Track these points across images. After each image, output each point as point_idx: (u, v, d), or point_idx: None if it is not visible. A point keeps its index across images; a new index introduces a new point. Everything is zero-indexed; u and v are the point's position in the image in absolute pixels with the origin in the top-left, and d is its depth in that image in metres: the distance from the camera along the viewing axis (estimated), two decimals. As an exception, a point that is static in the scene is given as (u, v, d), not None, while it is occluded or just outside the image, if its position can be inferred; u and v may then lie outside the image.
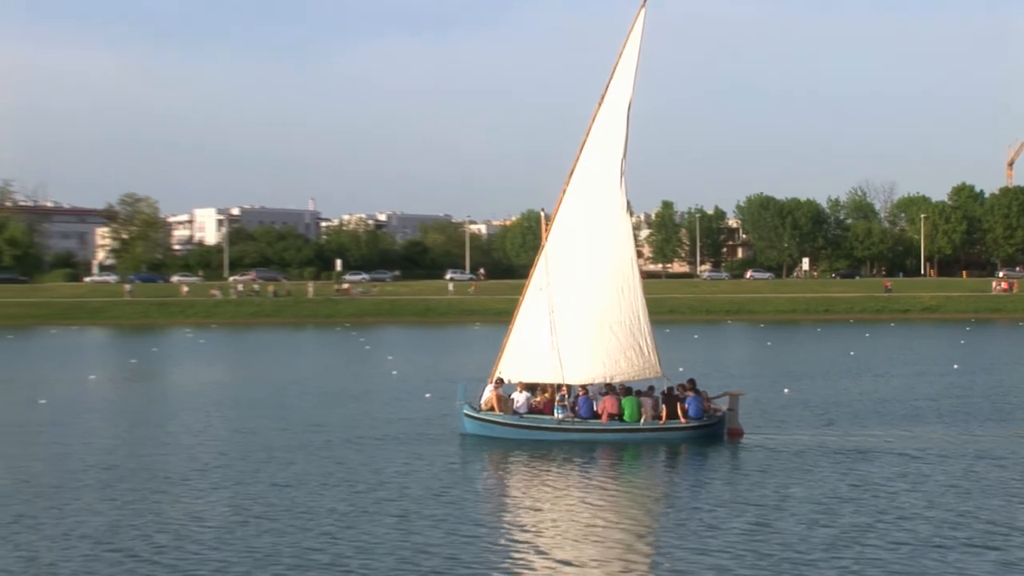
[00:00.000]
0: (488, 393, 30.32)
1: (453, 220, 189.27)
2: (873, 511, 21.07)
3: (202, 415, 35.78)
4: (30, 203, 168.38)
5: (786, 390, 41.18)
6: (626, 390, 29.98)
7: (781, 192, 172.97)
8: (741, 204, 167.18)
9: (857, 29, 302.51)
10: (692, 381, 30.49)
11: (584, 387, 30.02)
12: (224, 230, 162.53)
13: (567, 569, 17.56)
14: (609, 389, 29.97)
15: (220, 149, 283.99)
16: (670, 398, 29.55)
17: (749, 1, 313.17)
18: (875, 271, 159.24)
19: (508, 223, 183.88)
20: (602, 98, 30.21)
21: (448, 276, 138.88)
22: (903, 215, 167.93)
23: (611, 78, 30.18)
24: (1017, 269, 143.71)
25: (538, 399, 30.15)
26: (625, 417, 29.19)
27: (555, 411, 29.50)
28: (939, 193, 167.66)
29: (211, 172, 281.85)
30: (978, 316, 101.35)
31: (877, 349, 64.81)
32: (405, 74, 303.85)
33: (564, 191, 30.70)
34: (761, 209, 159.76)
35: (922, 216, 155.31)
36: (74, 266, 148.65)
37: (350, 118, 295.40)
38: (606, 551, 18.61)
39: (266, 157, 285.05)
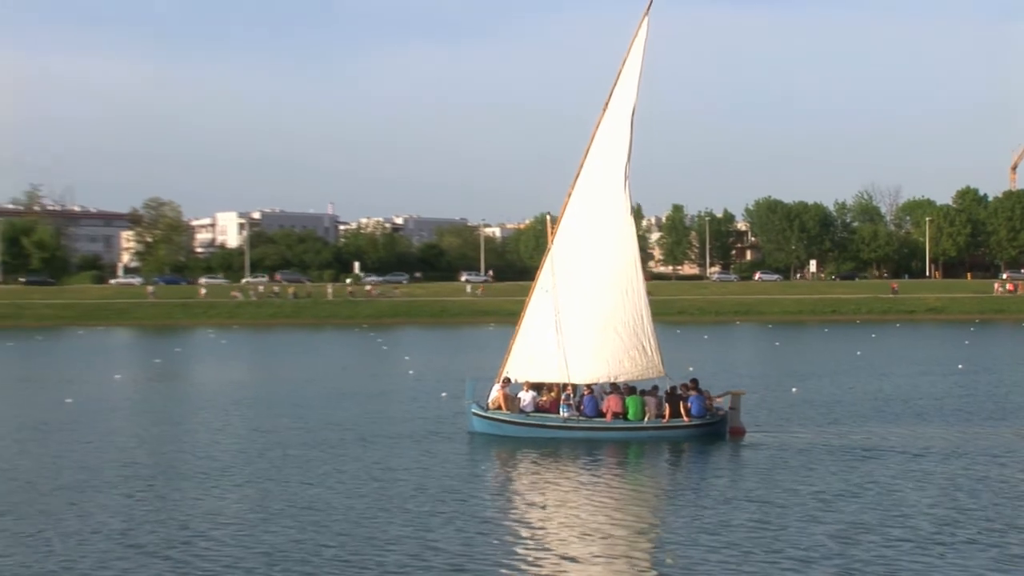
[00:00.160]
0: (495, 392, 30.38)
1: (468, 223, 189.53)
2: (876, 508, 20.93)
3: (223, 414, 35.91)
4: (58, 208, 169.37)
5: (794, 389, 41.13)
6: (630, 389, 30.04)
7: (789, 196, 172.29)
8: (750, 207, 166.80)
9: (863, 36, 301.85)
10: (695, 381, 30.51)
11: (589, 386, 30.08)
12: (245, 233, 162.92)
13: (575, 565, 17.53)
14: (613, 388, 30.04)
15: (241, 155, 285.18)
16: (673, 397, 29.58)
17: (755, 10, 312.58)
18: (880, 273, 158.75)
19: (521, 226, 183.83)
20: (606, 104, 30.19)
21: (463, 278, 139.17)
22: (908, 218, 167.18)
23: (615, 85, 30.14)
24: (1022, 271, 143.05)
25: (544, 398, 30.25)
26: (629, 416, 29.24)
27: (561, 410, 29.58)
28: (944, 196, 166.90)
29: (233, 177, 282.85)
30: (982, 317, 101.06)
31: (883, 349, 64.71)
32: (420, 82, 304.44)
33: (569, 195, 30.71)
34: (769, 212, 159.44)
35: (927, 219, 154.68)
36: (100, 268, 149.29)
37: (367, 125, 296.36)
38: (612, 547, 18.57)
39: (286, 163, 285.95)
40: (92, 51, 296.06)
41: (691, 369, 37.84)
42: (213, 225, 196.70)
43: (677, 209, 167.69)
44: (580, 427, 29.22)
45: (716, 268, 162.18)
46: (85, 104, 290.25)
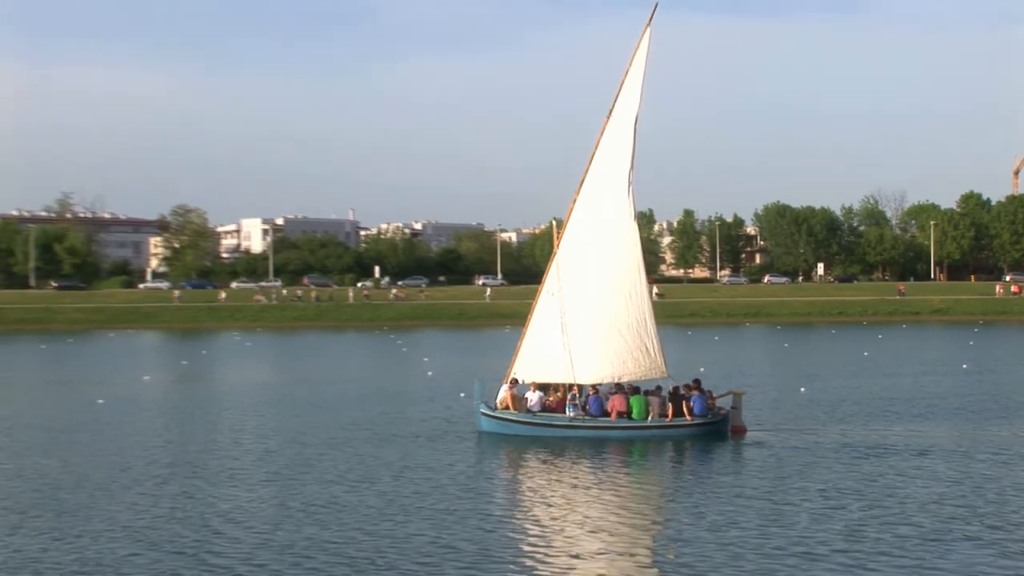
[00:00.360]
0: (503, 393, 30.49)
1: (485, 228, 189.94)
2: (880, 506, 20.85)
3: (246, 414, 36.07)
4: (89, 215, 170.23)
5: (802, 389, 41.02)
6: (634, 389, 30.11)
7: (797, 201, 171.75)
8: (759, 212, 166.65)
9: (867, 43, 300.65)
10: (697, 381, 30.58)
11: (594, 386, 30.16)
12: (269, 239, 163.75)
13: (581, 561, 17.52)
14: (618, 388, 30.12)
15: (265, 163, 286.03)
16: (676, 397, 29.65)
17: (760, 19, 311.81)
18: (885, 276, 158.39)
19: (537, 231, 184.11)
20: (610, 112, 30.22)
21: (480, 282, 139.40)
22: (913, 222, 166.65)
23: (619, 93, 30.14)
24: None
25: (551, 398, 30.35)
26: (633, 415, 29.35)
27: (567, 409, 29.68)
28: (948, 201, 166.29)
29: (257, 185, 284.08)
30: (986, 318, 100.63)
31: (889, 350, 64.49)
32: (437, 92, 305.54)
33: (574, 201, 30.72)
34: (778, 217, 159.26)
35: (932, 223, 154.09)
36: (129, 273, 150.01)
37: (388, 134, 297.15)
38: (618, 543, 18.57)
39: (309, 170, 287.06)
40: (125, 66, 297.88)
41: (702, 370, 37.78)
42: (238, 231, 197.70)
43: (688, 214, 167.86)
44: (586, 426, 29.31)
45: (726, 271, 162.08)
46: (116, 116, 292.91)
